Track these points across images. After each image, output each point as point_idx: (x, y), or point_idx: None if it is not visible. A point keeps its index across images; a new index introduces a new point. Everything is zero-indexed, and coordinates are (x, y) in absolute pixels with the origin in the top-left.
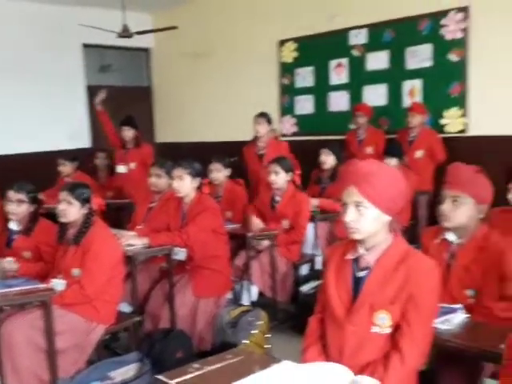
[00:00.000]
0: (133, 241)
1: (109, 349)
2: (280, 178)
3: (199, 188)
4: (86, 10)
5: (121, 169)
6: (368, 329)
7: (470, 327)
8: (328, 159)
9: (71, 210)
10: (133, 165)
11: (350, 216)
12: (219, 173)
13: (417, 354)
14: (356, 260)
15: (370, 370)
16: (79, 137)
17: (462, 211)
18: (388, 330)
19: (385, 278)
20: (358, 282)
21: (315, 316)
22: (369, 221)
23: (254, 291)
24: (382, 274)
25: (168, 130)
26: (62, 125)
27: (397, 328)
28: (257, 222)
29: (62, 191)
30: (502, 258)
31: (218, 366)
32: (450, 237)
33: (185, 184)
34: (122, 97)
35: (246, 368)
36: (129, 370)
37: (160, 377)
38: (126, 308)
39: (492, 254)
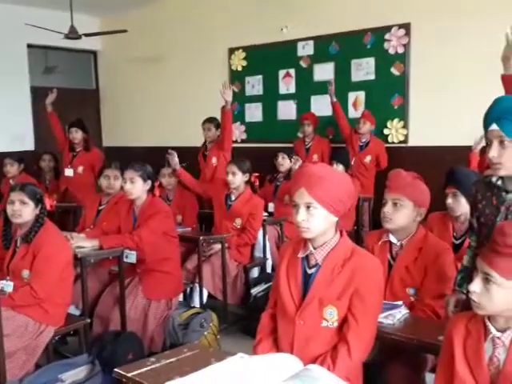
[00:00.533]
0: (82, 243)
1: (58, 353)
2: (237, 179)
3: (151, 191)
4: (32, 10)
5: (68, 172)
6: (317, 323)
7: (410, 322)
8: (284, 162)
9: (25, 210)
10: (80, 168)
11: (301, 216)
12: (171, 178)
13: (362, 346)
14: (306, 258)
15: (319, 362)
16: (23, 139)
17: (402, 213)
18: (336, 324)
19: (332, 274)
20: (307, 279)
21: (267, 311)
22: (318, 221)
23: (205, 294)
24: (330, 271)
25: (116, 134)
26: (5, 126)
27: (344, 322)
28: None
29: (15, 191)
30: (438, 260)
31: (175, 359)
32: (392, 239)
33: (136, 186)
34: (67, 99)
35: (202, 361)
36: (79, 372)
37: (118, 370)
38: (74, 311)
39: (430, 255)
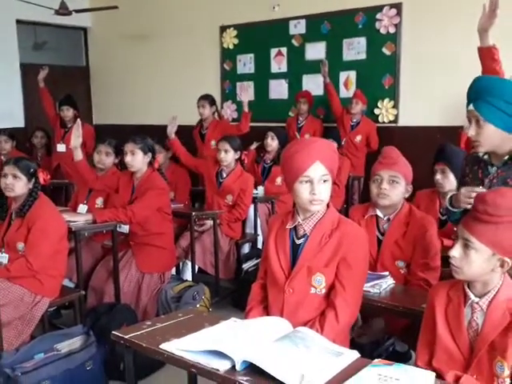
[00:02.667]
0: (76, 217)
1: (52, 325)
2: (229, 156)
3: (151, 164)
4: None
5: (60, 148)
6: (306, 290)
7: (396, 291)
8: (273, 143)
9: (18, 184)
10: None
11: (319, 190)
12: (160, 154)
13: (349, 311)
14: (294, 228)
15: (308, 326)
16: (13, 116)
17: (398, 190)
18: (324, 291)
19: (320, 244)
20: (296, 249)
21: (257, 282)
22: (328, 192)
23: (196, 268)
24: (318, 241)
25: (107, 112)
26: None
27: (331, 289)
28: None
29: (8, 165)
30: (426, 233)
31: (170, 322)
32: (379, 213)
33: (136, 158)
34: (57, 76)
35: (197, 324)
36: (74, 342)
37: (115, 332)
38: (68, 284)
39: (418, 229)
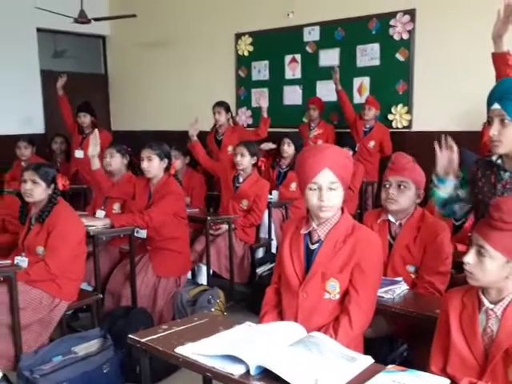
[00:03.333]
0: (94, 222)
1: (70, 328)
2: (245, 160)
3: (167, 169)
4: None
5: (79, 154)
6: (320, 296)
7: (409, 297)
8: (289, 149)
9: (37, 190)
10: None
11: (327, 197)
12: (178, 160)
13: (363, 317)
14: (309, 234)
15: (322, 332)
16: (33, 122)
17: (406, 195)
18: (338, 297)
19: (334, 249)
20: (310, 254)
21: (272, 286)
22: (338, 199)
23: (210, 272)
24: (332, 246)
25: (124, 119)
26: (15, 109)
27: (345, 294)
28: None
29: (27, 171)
30: (437, 238)
31: (186, 326)
32: (391, 218)
33: (153, 165)
34: (77, 83)
35: (212, 328)
36: (91, 345)
37: (132, 336)
38: (86, 288)
39: (429, 233)
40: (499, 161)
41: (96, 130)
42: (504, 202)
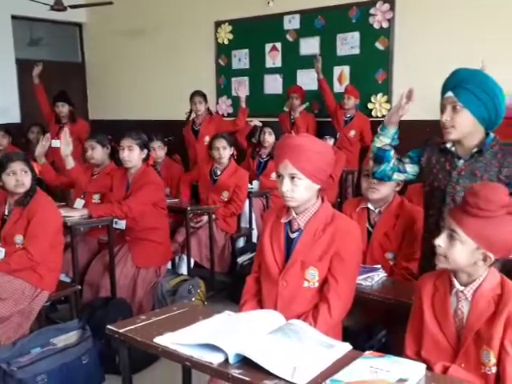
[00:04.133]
0: (71, 212)
1: (49, 319)
2: (226, 153)
3: (146, 160)
4: None
5: (55, 143)
6: (299, 284)
7: (387, 284)
8: (270, 138)
9: (27, 179)
10: None
11: (286, 187)
12: (161, 151)
13: (342, 305)
14: (289, 223)
15: (301, 320)
16: (9, 111)
17: (387, 184)
18: (317, 285)
19: (314, 238)
20: (290, 243)
21: (252, 275)
22: (302, 190)
23: (191, 262)
24: (312, 235)
25: (102, 108)
26: None
27: (324, 282)
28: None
29: (15, 162)
30: (415, 225)
31: (165, 316)
32: (370, 206)
33: (134, 154)
34: (53, 72)
35: (191, 318)
36: (70, 337)
37: (110, 327)
38: (64, 279)
39: (407, 221)
40: (453, 148)
41: (66, 129)
42: (480, 188)
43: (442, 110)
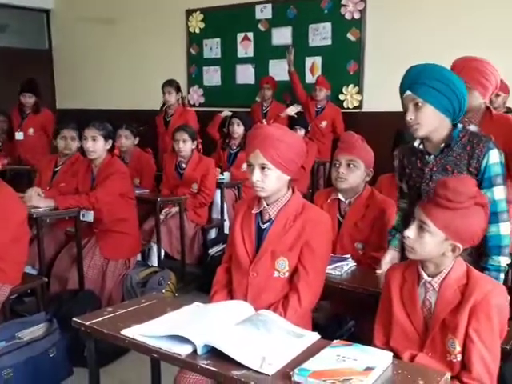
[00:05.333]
0: (37, 203)
1: (15, 312)
2: (187, 146)
3: (110, 150)
4: None
5: (18, 135)
6: (270, 274)
7: (357, 273)
8: (239, 129)
9: None
10: (31, 130)
11: (256, 177)
12: (128, 140)
13: (312, 294)
14: (260, 213)
15: (272, 310)
16: None
17: (355, 174)
18: (287, 275)
19: (284, 228)
20: (261, 233)
21: (222, 266)
22: (272, 181)
23: (162, 253)
24: (282, 225)
25: (70, 96)
26: None
27: (294, 272)
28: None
29: None
30: (384, 215)
31: (132, 308)
32: (341, 197)
33: (98, 145)
34: (19, 59)
35: (159, 310)
36: (37, 330)
37: (76, 319)
38: (31, 271)
39: (377, 211)
40: (421, 146)
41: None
42: (450, 180)
43: (405, 110)
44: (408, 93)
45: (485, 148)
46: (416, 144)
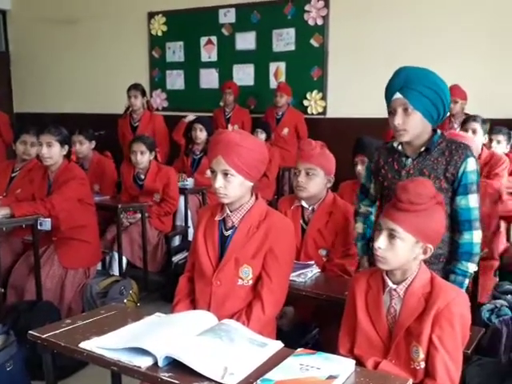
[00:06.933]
0: None
1: None
2: (145, 158)
3: (67, 156)
4: None
5: None
6: (233, 282)
7: (321, 280)
8: (201, 135)
9: None
10: None
11: (219, 183)
12: (82, 145)
13: (275, 302)
14: (223, 220)
15: (235, 319)
16: None
17: (314, 182)
18: (251, 282)
19: (248, 235)
20: (224, 241)
21: (185, 275)
22: (235, 187)
23: (124, 262)
24: (246, 232)
25: (28, 100)
26: None
27: (258, 280)
28: None
29: None
30: (347, 222)
31: (92, 320)
32: (304, 204)
33: (54, 151)
34: None
35: (120, 321)
36: None
37: (32, 332)
38: None
39: (340, 218)
40: (400, 147)
41: None
42: (409, 184)
43: (392, 113)
44: (399, 96)
45: (463, 155)
46: (395, 144)
